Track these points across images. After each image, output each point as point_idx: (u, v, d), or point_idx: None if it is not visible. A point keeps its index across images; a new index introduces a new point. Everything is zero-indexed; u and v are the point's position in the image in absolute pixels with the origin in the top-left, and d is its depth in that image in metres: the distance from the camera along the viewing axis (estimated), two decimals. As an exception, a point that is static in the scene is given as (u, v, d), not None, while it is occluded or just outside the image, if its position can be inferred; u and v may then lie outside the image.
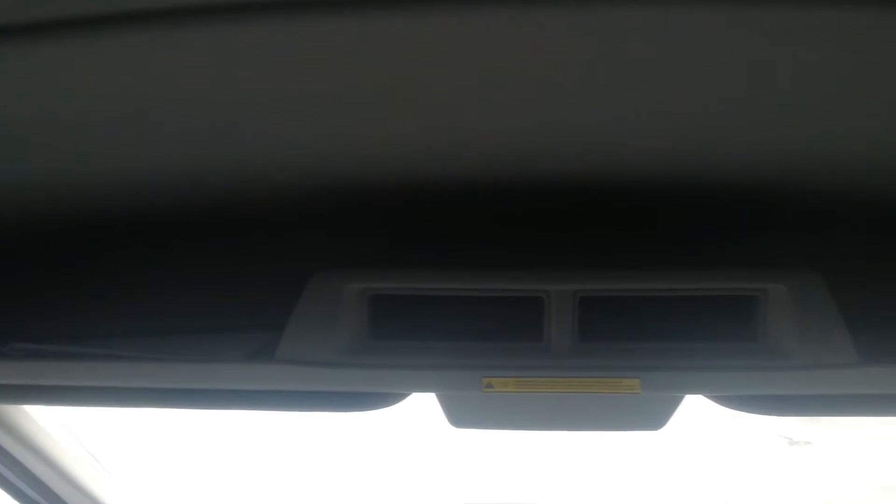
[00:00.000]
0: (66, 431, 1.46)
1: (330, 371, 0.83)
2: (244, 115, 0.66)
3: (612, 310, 0.84)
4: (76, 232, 0.93)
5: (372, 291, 0.84)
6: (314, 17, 0.51)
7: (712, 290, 0.82)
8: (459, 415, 0.92)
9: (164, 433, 5.47)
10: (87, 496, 1.49)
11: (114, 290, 0.98)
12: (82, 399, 0.95)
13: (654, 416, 0.91)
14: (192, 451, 5.53)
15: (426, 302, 0.85)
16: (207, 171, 0.80)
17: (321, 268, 0.84)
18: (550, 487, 5.11)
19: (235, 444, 5.57)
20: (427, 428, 5.23)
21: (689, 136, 0.72)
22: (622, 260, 0.87)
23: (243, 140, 0.72)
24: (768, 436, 5.77)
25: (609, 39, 0.54)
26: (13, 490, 1.41)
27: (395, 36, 0.53)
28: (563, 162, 0.78)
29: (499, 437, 5.30)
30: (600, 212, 0.88)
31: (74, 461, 1.45)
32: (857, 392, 0.83)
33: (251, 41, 0.54)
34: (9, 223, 0.88)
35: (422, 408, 0.99)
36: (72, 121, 0.65)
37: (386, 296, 0.84)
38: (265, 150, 0.74)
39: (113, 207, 0.87)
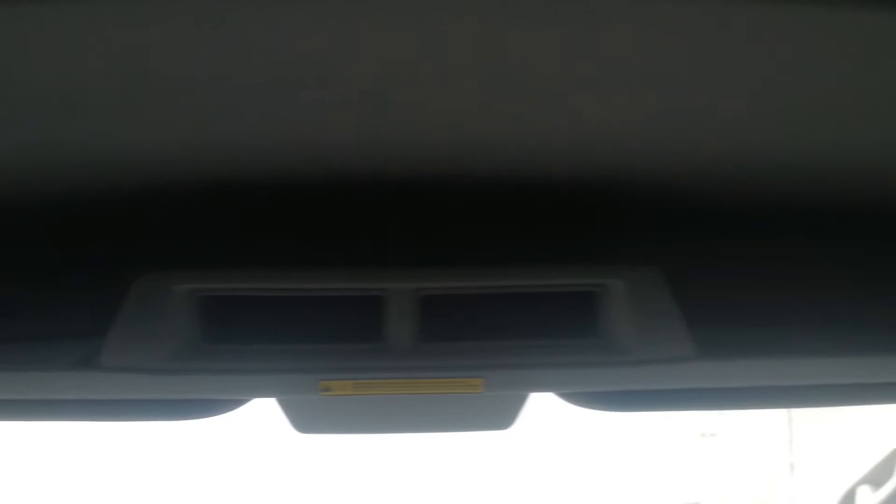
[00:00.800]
0: None
1: (158, 378, 0.78)
2: (49, 111, 0.62)
3: (455, 308, 0.82)
4: None
5: (202, 293, 0.80)
6: None
7: (552, 286, 0.81)
8: (302, 420, 0.89)
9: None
10: None
11: None
12: None
13: (500, 415, 0.90)
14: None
15: (262, 303, 0.81)
16: (29, 173, 0.74)
17: (147, 269, 0.79)
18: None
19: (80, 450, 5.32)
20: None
21: (529, 133, 0.71)
22: (466, 258, 0.85)
23: (57, 135, 0.67)
24: (683, 430, 5.95)
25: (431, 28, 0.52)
26: None
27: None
28: (405, 159, 0.76)
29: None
30: (444, 209, 0.86)
31: None
32: (696, 386, 0.83)
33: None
34: None
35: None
36: None
37: (218, 297, 0.80)
38: (90, 147, 0.70)
39: None
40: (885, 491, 1.50)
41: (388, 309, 0.80)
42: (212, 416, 0.88)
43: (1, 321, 0.88)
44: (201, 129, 0.69)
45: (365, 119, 0.67)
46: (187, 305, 0.79)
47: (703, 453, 5.59)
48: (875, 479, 1.56)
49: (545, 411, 0.95)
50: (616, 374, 0.81)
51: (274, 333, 0.81)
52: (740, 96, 0.64)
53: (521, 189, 0.83)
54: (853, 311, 0.93)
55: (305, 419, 0.89)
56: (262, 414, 0.96)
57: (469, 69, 0.59)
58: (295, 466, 5.11)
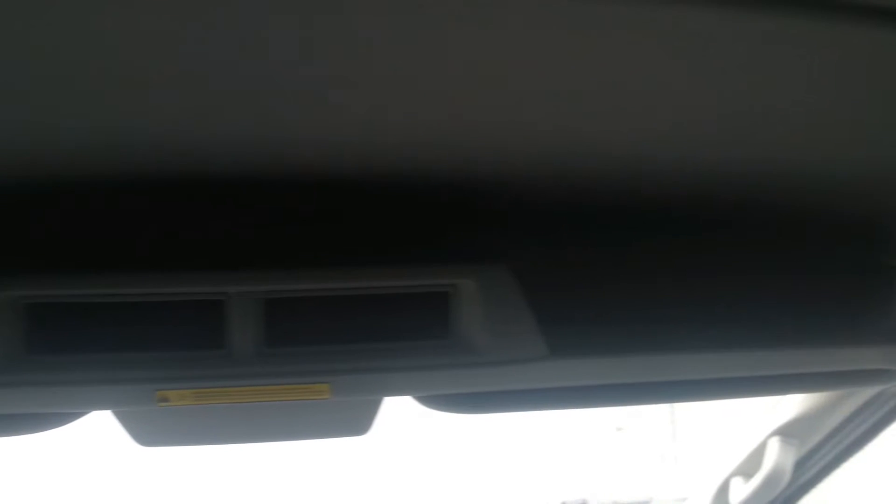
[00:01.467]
0: None
1: None
2: None
3: (303, 312, 0.79)
4: None
5: (27, 300, 0.74)
6: None
7: (401, 287, 0.79)
8: (142, 433, 0.84)
9: None
10: None
11: None
12: None
13: (354, 420, 0.88)
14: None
15: (95, 310, 0.76)
16: None
17: None
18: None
19: None
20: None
21: (372, 126, 0.69)
22: (315, 260, 0.83)
23: None
24: (601, 425, 6.08)
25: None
26: None
27: None
28: (244, 157, 0.73)
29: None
30: (288, 207, 0.83)
31: None
32: (548, 385, 0.83)
33: None
34: None
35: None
36: None
37: (43, 304, 0.75)
38: None
39: None
40: (755, 482, 1.55)
41: (230, 313, 0.76)
42: (44, 430, 0.83)
43: None
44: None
45: (190, 117, 0.64)
46: (10, 313, 0.74)
47: (617, 446, 5.75)
48: (746, 470, 1.61)
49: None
50: (469, 375, 0.80)
51: (109, 342, 0.76)
52: (587, 92, 0.64)
53: (373, 190, 0.81)
54: (708, 308, 0.95)
55: (145, 432, 0.85)
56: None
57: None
58: (143, 478, 4.92)
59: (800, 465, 1.55)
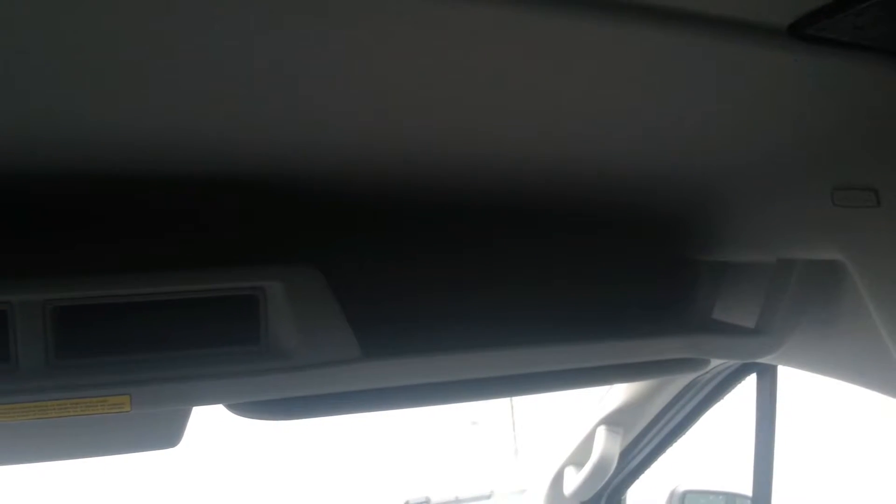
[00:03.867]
0: None
1: None
2: None
3: (98, 321, 0.74)
4: None
5: None
6: None
7: (204, 291, 0.76)
8: None
9: None
10: None
11: None
12: None
13: (163, 432, 0.83)
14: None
15: None
16: None
17: None
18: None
19: None
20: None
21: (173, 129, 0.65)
22: (105, 262, 0.78)
23: None
24: (458, 420, 6.16)
25: None
26: None
27: None
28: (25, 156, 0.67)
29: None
30: (79, 206, 0.77)
31: None
32: (362, 387, 0.82)
33: None
34: None
35: None
36: None
37: None
38: None
39: None
40: (586, 470, 1.62)
41: (14, 324, 0.70)
42: None
43: None
44: None
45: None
46: None
47: (472, 439, 5.86)
48: (578, 460, 1.68)
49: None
50: (280, 380, 0.77)
51: None
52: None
53: (151, 186, 0.76)
54: (525, 305, 0.97)
55: None
56: None
57: None
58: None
59: (626, 452, 1.63)
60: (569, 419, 1.79)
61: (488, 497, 2.05)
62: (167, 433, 0.83)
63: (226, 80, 0.57)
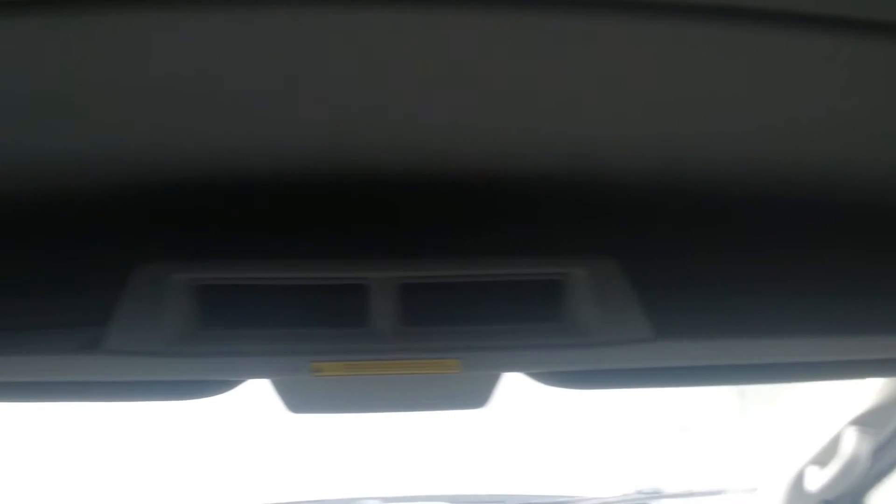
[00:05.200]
0: None
1: (157, 360, 0.84)
2: (55, 109, 0.67)
3: (433, 296, 0.89)
4: None
5: (198, 282, 0.86)
6: None
7: (520, 275, 0.89)
8: (293, 401, 0.95)
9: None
10: None
11: None
12: None
13: (475, 394, 0.97)
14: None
15: (256, 291, 0.87)
16: (24, 163, 0.80)
17: (146, 261, 0.86)
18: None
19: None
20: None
21: (499, 129, 0.77)
22: (441, 248, 0.93)
23: (62, 134, 0.73)
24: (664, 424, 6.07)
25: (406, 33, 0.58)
26: None
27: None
28: (384, 154, 0.83)
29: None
30: (422, 202, 0.93)
31: None
32: (653, 365, 0.91)
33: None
34: None
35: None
36: None
37: (214, 286, 0.86)
38: (85, 144, 0.75)
39: None
40: (832, 470, 1.61)
41: (371, 296, 0.87)
42: (209, 396, 0.94)
43: (11, 310, 0.93)
44: (199, 129, 0.75)
45: (341, 121, 0.73)
46: (185, 293, 0.85)
47: (678, 445, 5.73)
48: (822, 459, 1.66)
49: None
50: (579, 354, 0.89)
51: (267, 319, 0.87)
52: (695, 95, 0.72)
53: (492, 185, 0.90)
54: (808, 293, 1.02)
55: (297, 400, 0.95)
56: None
57: (444, 71, 0.65)
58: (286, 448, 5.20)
59: (876, 452, 1.60)
60: (800, 420, 1.77)
61: (720, 493, 2.06)
62: (479, 395, 0.97)
63: None
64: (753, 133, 0.81)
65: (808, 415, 1.78)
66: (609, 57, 0.64)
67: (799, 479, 1.72)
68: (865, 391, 1.56)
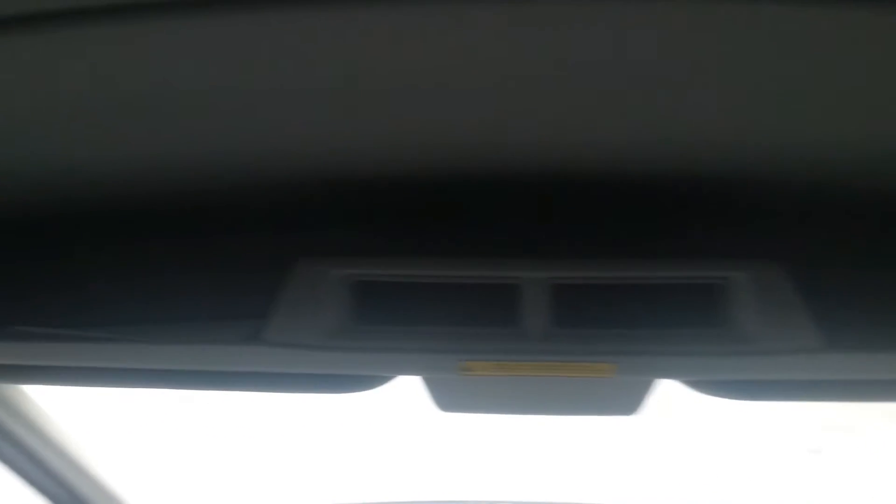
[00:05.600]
0: (68, 418, 1.51)
1: (316, 353, 0.87)
2: (233, 110, 0.70)
3: (586, 297, 0.87)
4: (75, 220, 0.96)
5: (355, 278, 0.88)
6: (313, 12, 0.54)
7: (677, 278, 0.85)
8: (442, 398, 0.95)
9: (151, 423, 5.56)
10: (87, 479, 1.54)
11: (113, 278, 1.02)
12: (82, 380, 1.00)
13: (628, 400, 0.94)
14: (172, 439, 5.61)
15: (409, 288, 0.88)
16: (201, 163, 0.84)
17: (306, 256, 0.88)
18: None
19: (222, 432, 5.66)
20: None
21: (659, 129, 0.75)
22: (595, 249, 0.91)
23: (234, 134, 0.76)
24: (789, 444, 5.78)
25: (581, 31, 0.57)
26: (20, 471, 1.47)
27: (385, 33, 0.57)
28: (539, 154, 0.82)
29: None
30: (576, 202, 0.91)
31: (75, 445, 1.50)
32: (821, 377, 0.85)
33: (243, 35, 0.57)
34: (12, 209, 0.92)
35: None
36: (66, 111, 0.69)
37: (370, 282, 0.88)
38: (255, 143, 0.78)
39: (110, 196, 0.91)
40: None
41: (522, 296, 0.86)
42: (361, 390, 0.96)
43: (182, 303, 0.99)
44: (361, 127, 0.76)
45: (496, 120, 0.73)
46: (342, 289, 0.87)
47: (809, 470, 5.40)
48: None
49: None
50: (741, 363, 0.84)
51: (418, 316, 0.88)
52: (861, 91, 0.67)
53: (650, 185, 0.87)
54: None
55: (446, 397, 0.95)
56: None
57: (591, 69, 0.63)
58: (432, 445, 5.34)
59: None
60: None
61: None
62: (631, 401, 0.94)
63: None
64: None
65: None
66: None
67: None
68: None
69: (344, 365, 0.88)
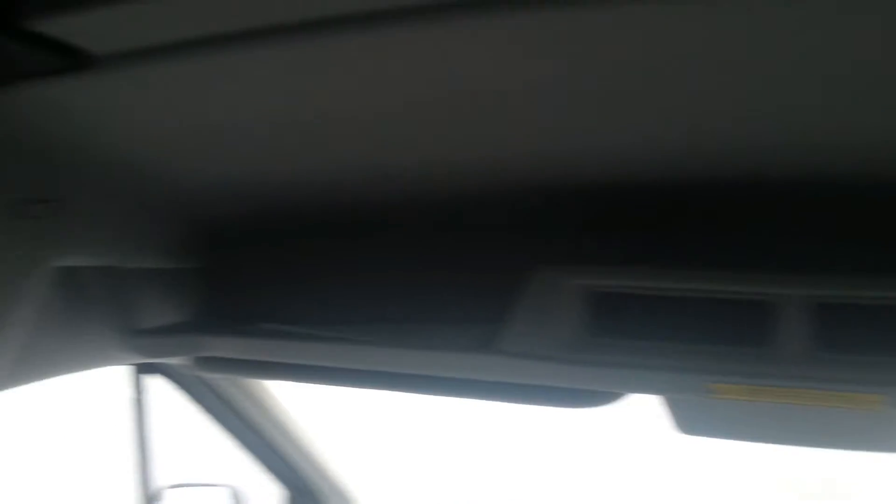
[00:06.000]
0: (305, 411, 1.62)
1: (548, 365, 0.84)
2: (463, 118, 0.70)
3: (852, 318, 0.78)
4: (314, 226, 1.02)
5: (592, 288, 0.84)
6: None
7: None
8: (685, 420, 0.90)
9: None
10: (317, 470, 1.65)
11: (347, 280, 1.06)
12: (315, 378, 1.04)
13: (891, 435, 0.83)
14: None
15: (648, 301, 0.84)
16: (437, 171, 0.85)
17: (542, 264, 0.86)
18: None
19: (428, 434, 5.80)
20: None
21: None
22: (862, 264, 0.81)
23: (476, 140, 0.76)
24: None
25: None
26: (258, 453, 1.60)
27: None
28: (800, 159, 0.75)
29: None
30: (840, 213, 0.82)
31: (307, 436, 1.61)
32: None
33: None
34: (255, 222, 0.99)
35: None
36: (302, 124, 0.74)
37: (606, 293, 0.84)
38: (498, 148, 0.78)
39: (346, 202, 0.94)
40: None
41: (780, 314, 0.78)
42: (594, 406, 0.92)
43: (417, 306, 1.00)
44: (597, 135, 0.74)
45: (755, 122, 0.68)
46: (578, 299, 0.84)
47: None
48: None
49: None
50: None
51: (658, 331, 0.83)
52: None
53: None
54: None
55: (689, 420, 0.89)
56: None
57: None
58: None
59: None
60: None
61: None
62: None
63: None
64: None
65: None
66: None
67: None
68: None
69: (582, 379, 0.85)
